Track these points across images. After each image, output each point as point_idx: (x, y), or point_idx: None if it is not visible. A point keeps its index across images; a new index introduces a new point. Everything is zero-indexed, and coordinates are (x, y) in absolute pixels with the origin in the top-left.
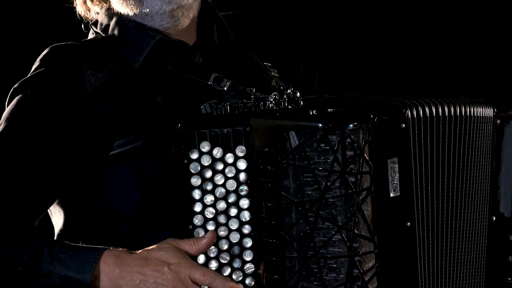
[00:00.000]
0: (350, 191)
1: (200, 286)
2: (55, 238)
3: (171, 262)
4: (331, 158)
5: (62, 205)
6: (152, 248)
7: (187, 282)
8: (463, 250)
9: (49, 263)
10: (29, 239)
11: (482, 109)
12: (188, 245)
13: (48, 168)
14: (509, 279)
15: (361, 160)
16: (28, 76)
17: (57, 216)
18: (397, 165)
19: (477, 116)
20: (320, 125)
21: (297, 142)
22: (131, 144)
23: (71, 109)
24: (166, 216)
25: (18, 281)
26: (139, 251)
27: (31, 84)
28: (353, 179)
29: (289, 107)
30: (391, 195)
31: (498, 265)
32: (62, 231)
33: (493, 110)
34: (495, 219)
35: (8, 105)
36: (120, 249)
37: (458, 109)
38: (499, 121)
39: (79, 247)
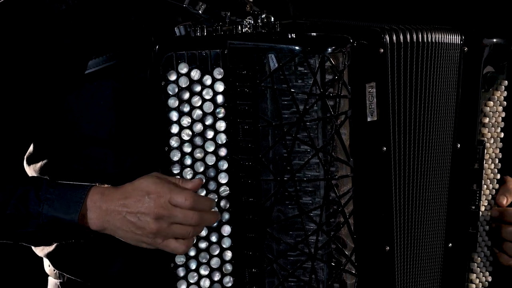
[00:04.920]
0: (328, 115)
1: (182, 209)
2: (24, 164)
3: (150, 190)
4: (310, 82)
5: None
6: (135, 180)
7: (168, 208)
8: (430, 177)
9: (37, 204)
10: (14, 181)
11: (450, 35)
12: (173, 182)
13: (22, 94)
14: (473, 207)
15: (340, 84)
16: None
17: None
18: (375, 90)
19: (446, 43)
20: (300, 48)
21: (276, 65)
22: (104, 63)
23: (41, 27)
24: (142, 138)
25: (9, 223)
26: (124, 185)
27: None
28: (331, 103)
29: (263, 31)
30: (368, 119)
31: (462, 193)
32: (32, 155)
33: (461, 37)
34: (460, 146)
35: None
36: (105, 185)
37: (429, 36)
38: (466, 48)
39: (65, 186)
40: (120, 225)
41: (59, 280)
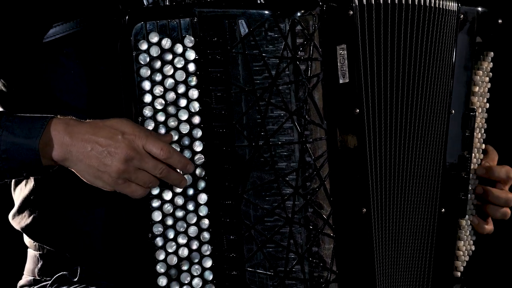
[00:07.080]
0: (300, 78)
1: (154, 158)
2: None
3: (125, 131)
4: (281, 46)
5: (6, 99)
6: (107, 119)
7: (141, 152)
8: (419, 141)
9: None
10: None
11: (446, 2)
12: None
13: None
14: (464, 174)
15: (311, 47)
16: None
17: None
18: (346, 52)
19: (441, 8)
20: (270, 12)
21: (246, 31)
22: (71, 29)
23: None
24: (115, 108)
25: None
26: (93, 120)
27: None
28: (303, 67)
29: None
30: (340, 81)
31: (455, 159)
32: None
33: (457, 4)
34: (454, 112)
35: None
36: (69, 117)
37: None
38: (462, 16)
39: (27, 116)
40: (83, 158)
41: (38, 252)
